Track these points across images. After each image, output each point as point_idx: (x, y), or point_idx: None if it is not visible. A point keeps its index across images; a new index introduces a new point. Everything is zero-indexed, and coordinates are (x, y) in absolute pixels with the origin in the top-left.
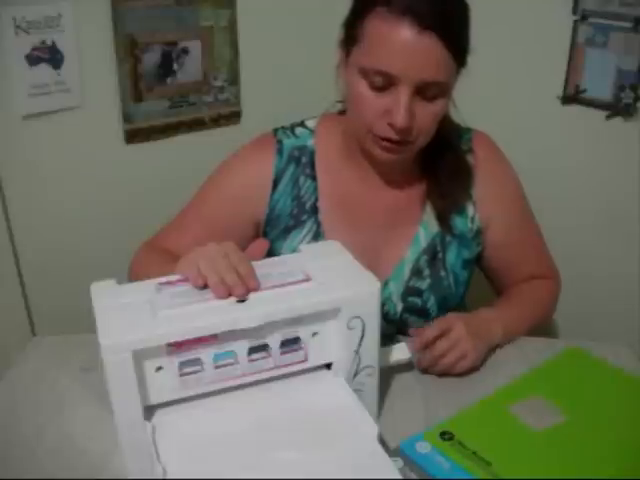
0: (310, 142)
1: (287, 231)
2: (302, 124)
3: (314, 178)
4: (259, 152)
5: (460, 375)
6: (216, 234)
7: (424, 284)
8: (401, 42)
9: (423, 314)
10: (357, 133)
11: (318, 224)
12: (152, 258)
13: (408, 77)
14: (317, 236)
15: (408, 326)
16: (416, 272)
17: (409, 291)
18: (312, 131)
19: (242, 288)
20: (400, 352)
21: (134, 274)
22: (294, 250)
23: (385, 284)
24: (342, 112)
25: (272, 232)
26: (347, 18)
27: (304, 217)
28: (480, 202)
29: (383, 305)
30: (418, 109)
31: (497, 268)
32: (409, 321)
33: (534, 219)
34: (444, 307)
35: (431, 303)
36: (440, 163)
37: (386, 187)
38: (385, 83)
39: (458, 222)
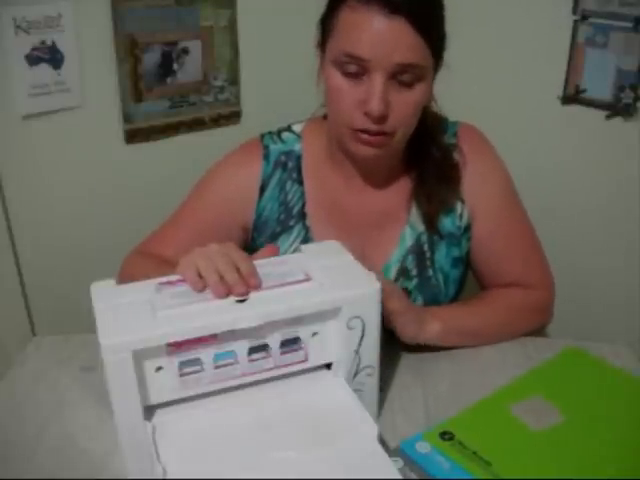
0: (297, 147)
1: (275, 237)
2: (289, 128)
3: (301, 183)
4: (246, 158)
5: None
6: (204, 241)
7: (411, 284)
8: (370, 26)
9: None
10: (337, 131)
11: (306, 229)
12: (145, 263)
13: (379, 61)
14: (306, 241)
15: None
16: (403, 272)
17: None
18: (299, 135)
19: (242, 287)
20: None
21: (127, 277)
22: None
23: None
24: (326, 116)
25: (260, 238)
26: (321, 18)
27: (292, 222)
28: (467, 197)
29: None
30: (394, 97)
31: (481, 268)
32: None
33: (526, 221)
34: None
35: (419, 303)
36: (426, 161)
37: (372, 189)
38: (358, 71)
39: (446, 222)
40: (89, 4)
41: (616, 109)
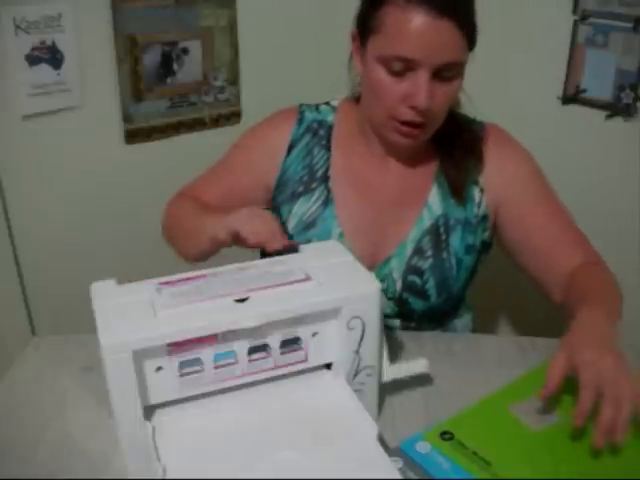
0: (330, 118)
1: (295, 196)
2: (327, 103)
3: (328, 149)
4: (281, 119)
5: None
6: (228, 196)
7: (426, 264)
8: (420, 28)
9: (421, 295)
10: (376, 121)
11: (328, 191)
12: (188, 204)
13: (428, 61)
14: (327, 202)
15: (406, 305)
16: (419, 251)
17: (410, 269)
18: (334, 108)
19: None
20: (419, 366)
21: (172, 218)
22: (302, 215)
23: (387, 260)
24: (357, 99)
25: (280, 196)
26: (360, 10)
27: (314, 185)
28: (488, 188)
29: (382, 281)
30: (436, 90)
31: (532, 253)
32: (408, 300)
33: (561, 202)
34: (444, 290)
35: (430, 284)
36: (454, 142)
37: (396, 168)
38: (404, 68)
39: (466, 205)
40: (89, 4)
41: (616, 109)
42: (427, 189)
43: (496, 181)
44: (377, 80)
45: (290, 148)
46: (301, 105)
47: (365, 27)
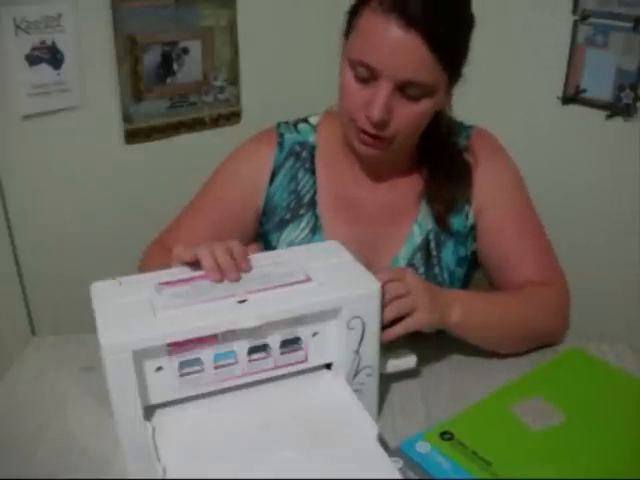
0: (311, 138)
1: (283, 224)
2: (305, 120)
3: (313, 172)
4: (260, 146)
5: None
6: (219, 228)
7: None
8: (385, 37)
9: None
10: (344, 125)
11: (316, 217)
12: (164, 256)
13: (389, 72)
14: (315, 229)
15: None
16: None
17: None
18: (314, 127)
19: (235, 272)
20: (408, 361)
21: (147, 270)
22: (291, 243)
23: None
24: None
25: (268, 223)
26: (349, 10)
27: (302, 211)
28: (476, 194)
29: None
30: (398, 106)
31: (492, 263)
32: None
33: (536, 218)
34: None
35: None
36: (438, 161)
37: (382, 184)
38: (368, 76)
39: (455, 221)
40: (89, 4)
41: (616, 109)
42: (417, 205)
43: (481, 190)
44: (344, 83)
45: (273, 175)
46: (279, 125)
47: (347, 28)
